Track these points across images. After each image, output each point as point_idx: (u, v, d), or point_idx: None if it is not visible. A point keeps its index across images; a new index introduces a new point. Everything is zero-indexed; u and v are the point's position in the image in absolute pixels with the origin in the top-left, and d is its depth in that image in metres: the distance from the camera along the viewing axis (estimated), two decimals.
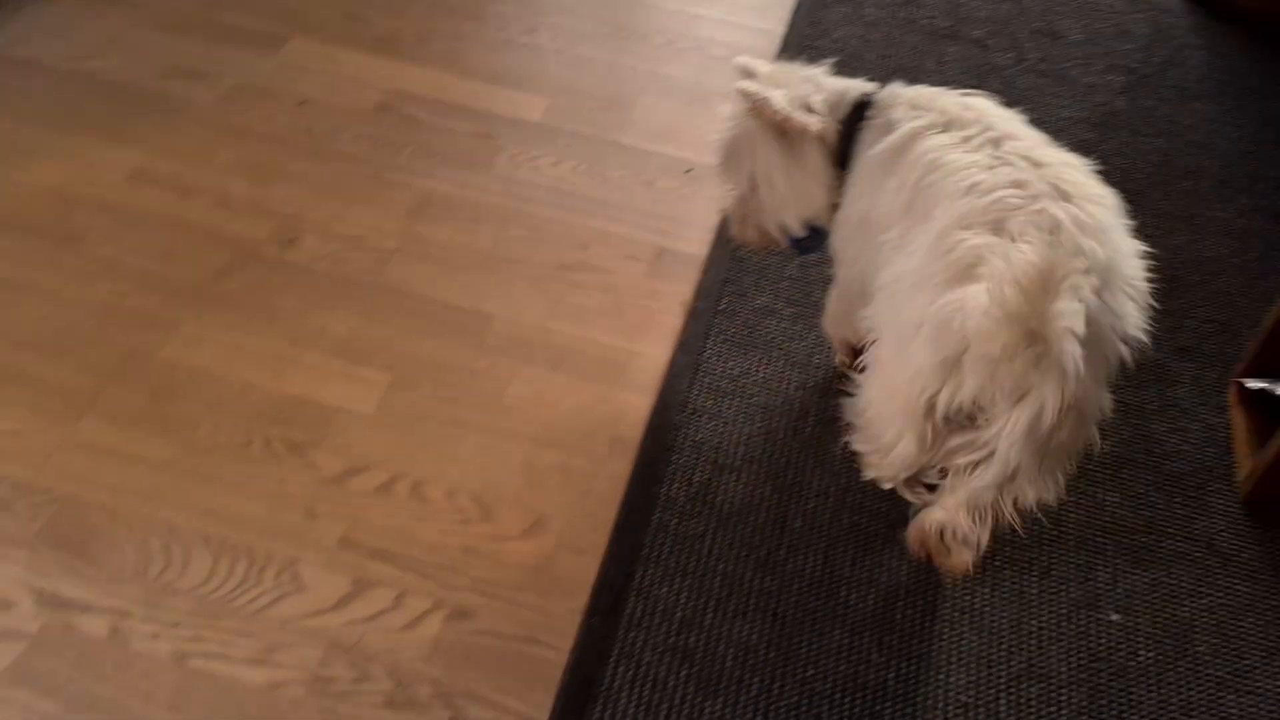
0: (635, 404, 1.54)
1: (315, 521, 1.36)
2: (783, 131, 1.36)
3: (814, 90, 1.39)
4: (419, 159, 1.85)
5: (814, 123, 1.35)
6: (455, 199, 1.79)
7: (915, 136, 1.26)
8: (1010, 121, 1.27)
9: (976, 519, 1.24)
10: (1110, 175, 1.96)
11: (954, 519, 1.25)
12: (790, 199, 1.41)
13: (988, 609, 1.36)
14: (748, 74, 1.40)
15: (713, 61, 2.13)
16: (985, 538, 1.26)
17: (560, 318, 1.64)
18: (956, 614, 1.35)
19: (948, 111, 1.27)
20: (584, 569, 1.36)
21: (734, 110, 1.41)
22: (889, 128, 1.29)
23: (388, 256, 1.69)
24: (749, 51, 2.11)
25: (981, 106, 1.29)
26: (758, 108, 1.35)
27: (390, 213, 1.75)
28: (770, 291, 1.71)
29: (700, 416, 1.53)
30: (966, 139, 1.23)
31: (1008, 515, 1.23)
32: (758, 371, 1.59)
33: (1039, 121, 2.02)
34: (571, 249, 1.74)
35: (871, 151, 1.30)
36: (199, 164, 1.79)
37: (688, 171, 1.89)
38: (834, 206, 1.39)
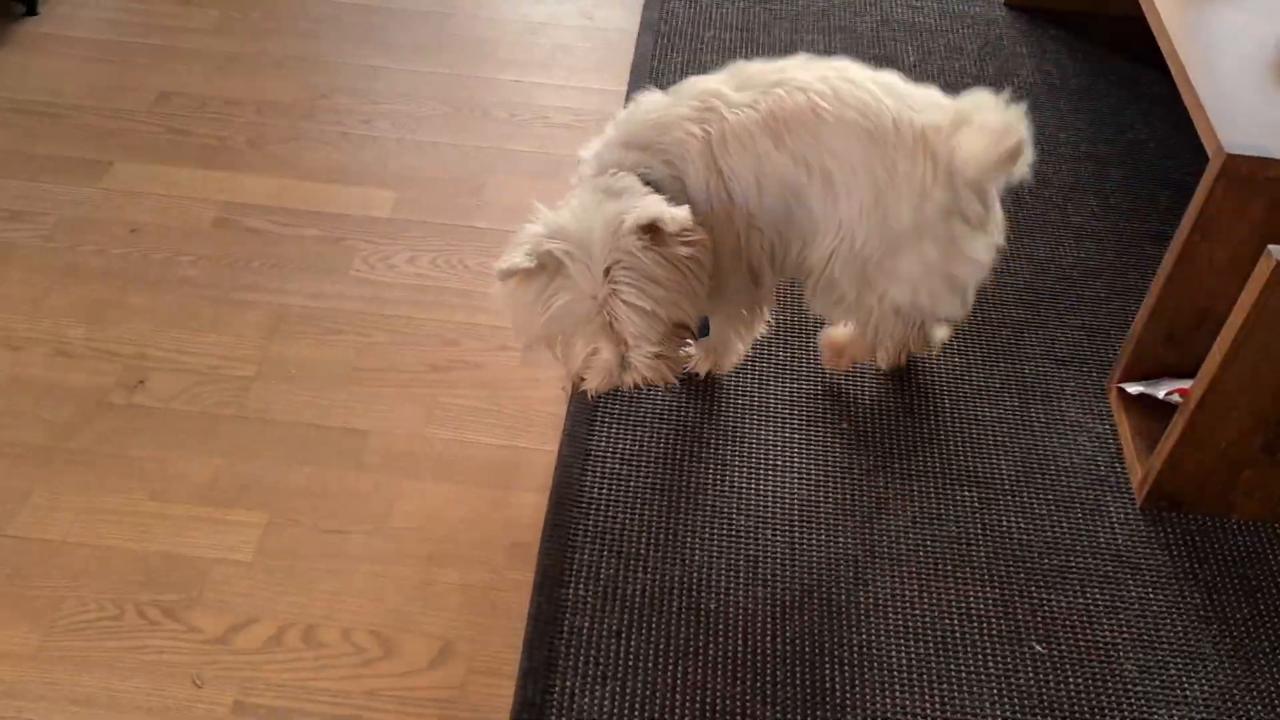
0: (529, 504, 1.48)
1: (203, 690, 1.27)
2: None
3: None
4: (267, 274, 1.76)
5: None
6: (311, 311, 1.71)
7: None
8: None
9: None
10: None
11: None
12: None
13: (914, 662, 1.34)
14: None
15: (558, 130, 2.09)
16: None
17: (438, 424, 1.57)
18: (885, 675, 1.32)
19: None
20: (500, 692, 1.29)
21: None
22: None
23: (246, 384, 1.60)
24: (594, 113, 2.10)
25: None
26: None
27: (243, 336, 1.66)
28: None
29: (598, 507, 1.48)
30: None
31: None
32: (650, 447, 1.55)
33: None
34: (440, 348, 1.67)
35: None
36: (29, 313, 1.67)
37: None
38: None
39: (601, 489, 1.50)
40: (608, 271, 1.27)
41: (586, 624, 1.35)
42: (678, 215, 1.26)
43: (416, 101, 2.13)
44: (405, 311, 1.72)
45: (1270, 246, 1.25)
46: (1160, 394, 1.55)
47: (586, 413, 1.58)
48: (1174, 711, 1.31)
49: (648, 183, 1.35)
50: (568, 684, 1.29)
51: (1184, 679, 1.34)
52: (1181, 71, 1.49)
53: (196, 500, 1.45)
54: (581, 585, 1.39)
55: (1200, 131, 1.43)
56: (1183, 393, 1.52)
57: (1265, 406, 1.38)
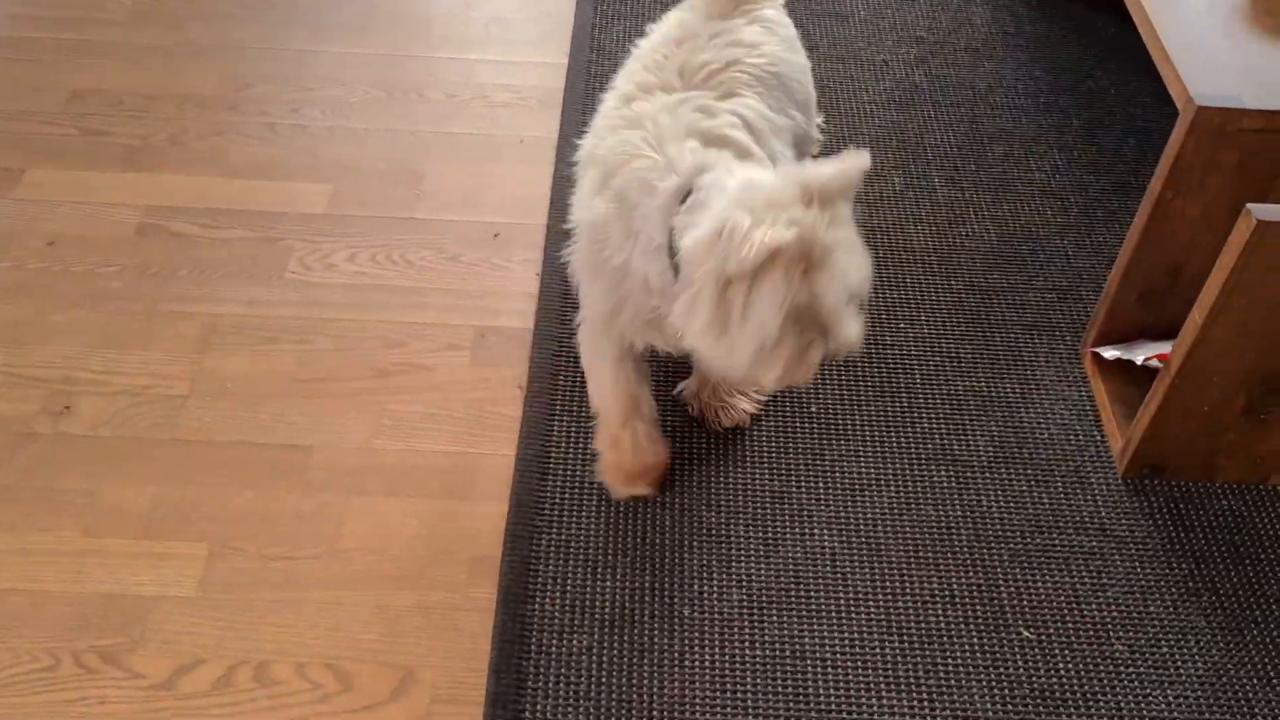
0: (488, 515, 1.40)
1: None
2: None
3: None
4: (197, 282, 1.66)
5: None
6: (246, 320, 1.61)
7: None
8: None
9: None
10: (924, 153, 1.92)
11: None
12: None
13: (900, 659, 1.28)
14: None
15: (499, 110, 1.99)
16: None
17: (387, 434, 1.48)
18: (870, 674, 1.27)
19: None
20: None
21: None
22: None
23: (179, 404, 1.50)
24: (535, 90, 2.01)
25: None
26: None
27: (174, 352, 1.56)
28: None
29: (561, 513, 1.40)
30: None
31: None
32: None
33: (845, 109, 1.95)
34: (385, 351, 1.58)
35: None
36: None
37: (495, 236, 1.75)
38: None
39: (564, 494, 1.42)
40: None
41: (555, 641, 1.28)
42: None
43: (347, 86, 2.02)
44: (347, 314, 1.63)
45: (1250, 205, 1.19)
46: (1138, 360, 1.50)
47: (543, 413, 1.50)
48: (1168, 691, 1.27)
49: None
50: (538, 708, 1.22)
51: (1176, 656, 1.30)
52: (1145, 20, 1.42)
53: (133, 534, 1.36)
54: (548, 599, 1.32)
55: (1168, 83, 1.36)
56: (1162, 358, 1.46)
57: (1247, 368, 1.33)
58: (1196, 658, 1.30)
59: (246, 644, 1.27)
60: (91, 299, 1.63)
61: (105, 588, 1.31)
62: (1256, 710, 1.25)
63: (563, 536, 1.38)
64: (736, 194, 1.05)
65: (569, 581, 1.34)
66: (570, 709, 1.22)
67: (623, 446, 1.37)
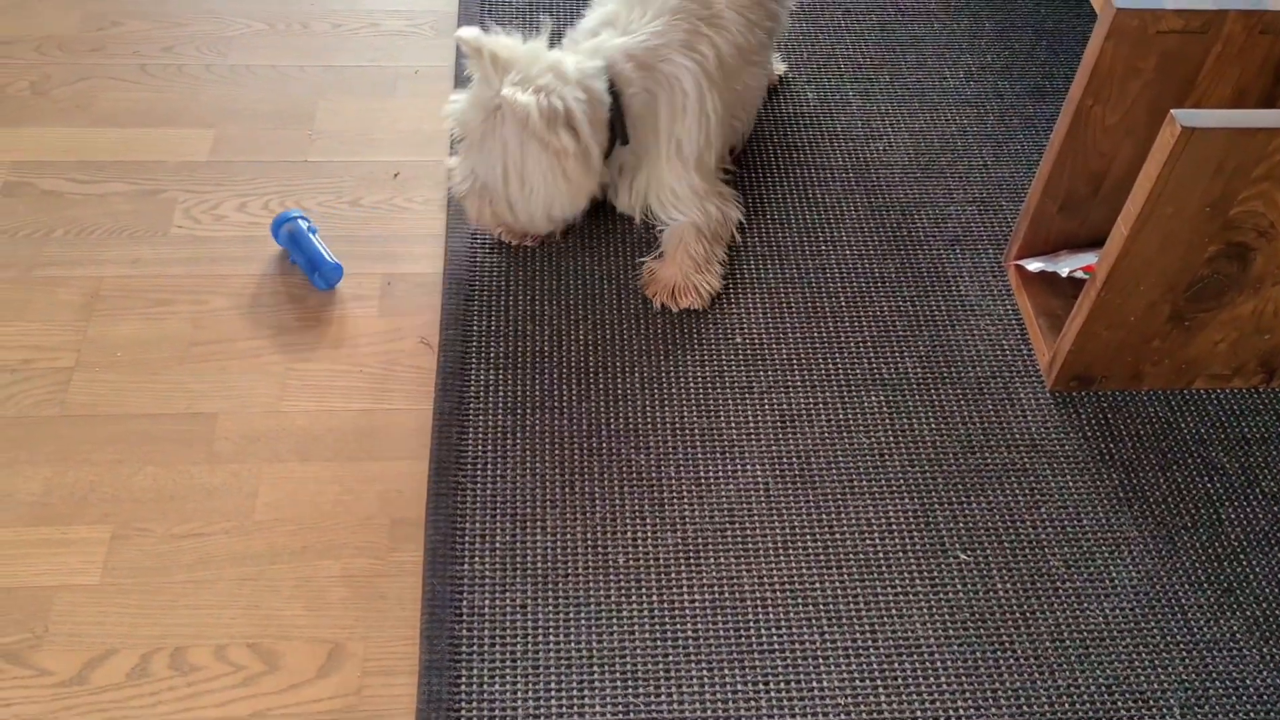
0: (407, 474, 1.34)
1: None
2: (544, 142, 1.35)
3: (560, 88, 1.36)
4: (74, 243, 1.54)
5: (571, 146, 1.36)
6: (132, 282, 1.50)
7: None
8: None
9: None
10: (836, 66, 1.86)
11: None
12: (545, 203, 1.43)
13: (840, 592, 1.26)
14: (494, 58, 1.34)
15: (390, 39, 1.87)
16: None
17: (294, 395, 1.40)
18: (811, 610, 1.25)
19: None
20: (402, 692, 1.17)
21: (466, 100, 1.40)
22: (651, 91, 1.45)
23: (66, 377, 1.40)
24: (427, 15, 1.89)
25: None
26: (528, 122, 1.32)
27: (55, 321, 1.45)
28: (524, 292, 1.52)
29: (484, 466, 1.35)
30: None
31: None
32: (533, 392, 1.42)
33: None
34: (286, 306, 1.49)
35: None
36: None
37: (395, 176, 1.65)
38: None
39: (485, 446, 1.36)
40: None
41: (487, 602, 1.24)
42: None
43: (223, 20, 1.88)
44: (242, 269, 1.53)
45: (1174, 111, 1.16)
46: (1063, 272, 1.48)
47: (458, 363, 1.44)
48: (1104, 604, 1.27)
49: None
50: (474, 671, 1.18)
51: (1111, 568, 1.30)
52: None
53: (26, 520, 1.27)
54: (477, 558, 1.27)
55: None
56: (1088, 269, 1.45)
57: (1172, 276, 1.31)
58: (1130, 568, 1.30)
59: (160, 630, 1.20)
60: None
61: (0, 581, 1.22)
62: (1190, 615, 1.27)
63: (488, 492, 1.32)
64: None
65: (497, 538, 1.29)
66: (508, 669, 1.19)
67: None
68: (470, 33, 1.34)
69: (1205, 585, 1.29)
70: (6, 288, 1.49)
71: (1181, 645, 1.24)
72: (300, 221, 1.52)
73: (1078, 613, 1.26)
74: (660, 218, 1.53)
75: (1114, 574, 1.30)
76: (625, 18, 1.47)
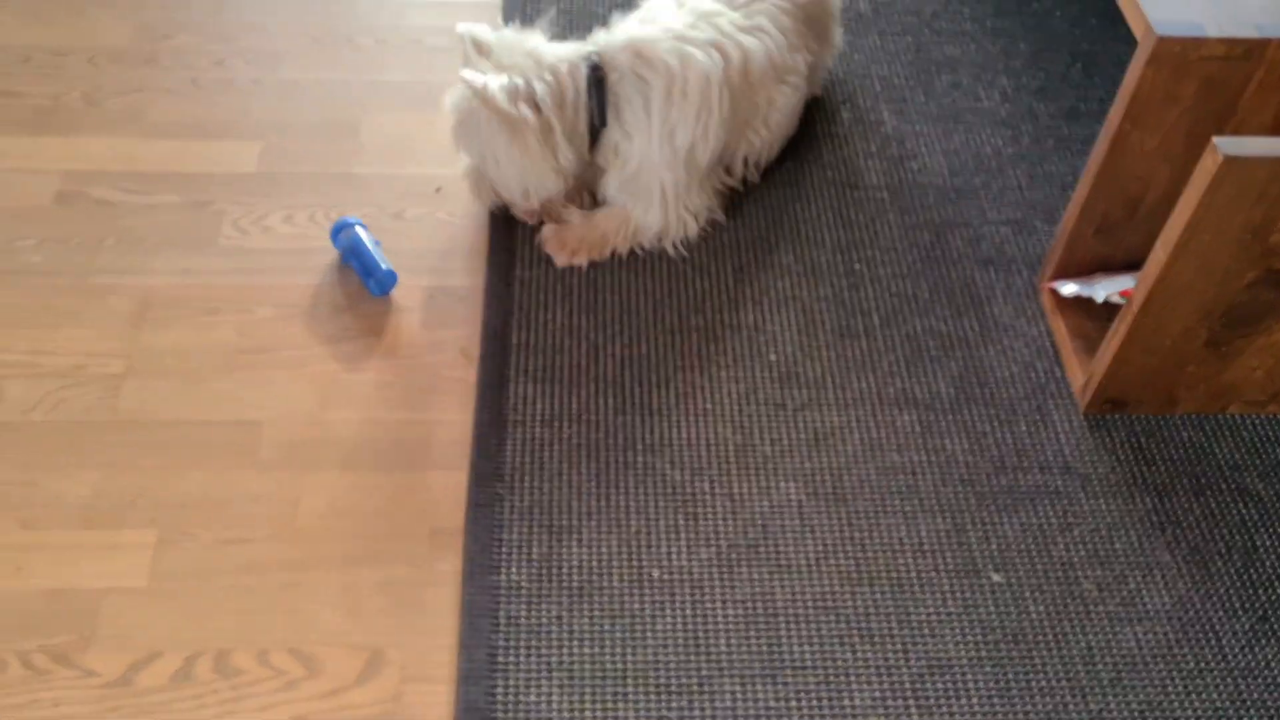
0: (447, 484, 1.36)
1: None
2: (506, 119, 1.46)
3: (536, 72, 1.49)
4: (125, 252, 1.58)
5: (531, 119, 1.47)
6: (181, 291, 1.54)
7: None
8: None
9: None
10: (871, 85, 1.88)
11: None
12: (517, 178, 1.54)
13: (872, 609, 1.28)
14: (475, 44, 1.50)
15: (433, 54, 1.91)
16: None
17: (337, 404, 1.43)
18: (843, 627, 1.26)
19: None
20: (439, 700, 1.19)
21: (461, 89, 1.50)
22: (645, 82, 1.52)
23: (116, 383, 1.43)
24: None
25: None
26: (480, 97, 1.44)
27: (106, 328, 1.49)
28: (564, 306, 1.55)
29: (522, 478, 1.37)
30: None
31: None
32: (570, 405, 1.44)
33: None
34: (331, 317, 1.52)
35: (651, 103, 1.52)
36: None
37: (437, 190, 1.68)
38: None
39: (523, 458, 1.39)
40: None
41: (523, 611, 1.26)
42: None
43: (270, 35, 1.92)
44: (288, 280, 1.56)
45: (1215, 139, 1.16)
46: (1099, 297, 1.48)
47: (498, 375, 1.46)
48: (1137, 628, 1.28)
49: None
50: (510, 681, 1.20)
51: (1144, 592, 1.31)
52: None
53: (76, 524, 1.31)
54: (514, 569, 1.29)
55: (1125, 10, 1.33)
56: (1124, 294, 1.45)
57: (1209, 301, 1.32)
58: (1164, 592, 1.31)
59: (204, 633, 1.23)
60: (12, 275, 1.54)
61: (50, 583, 1.26)
62: (1224, 641, 1.27)
63: (525, 503, 1.34)
64: None
65: (534, 549, 1.31)
66: (544, 680, 1.20)
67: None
68: (464, 26, 1.50)
69: (1239, 612, 1.29)
70: (60, 295, 1.52)
71: (1215, 672, 1.25)
72: (359, 229, 1.55)
73: (1110, 637, 1.27)
74: (625, 203, 1.60)
75: (1147, 598, 1.30)
76: (664, 15, 1.57)
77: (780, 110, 1.65)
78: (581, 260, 1.58)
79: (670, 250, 1.61)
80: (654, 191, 1.56)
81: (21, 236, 1.59)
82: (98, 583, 1.26)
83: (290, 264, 1.58)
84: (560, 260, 1.58)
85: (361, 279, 1.54)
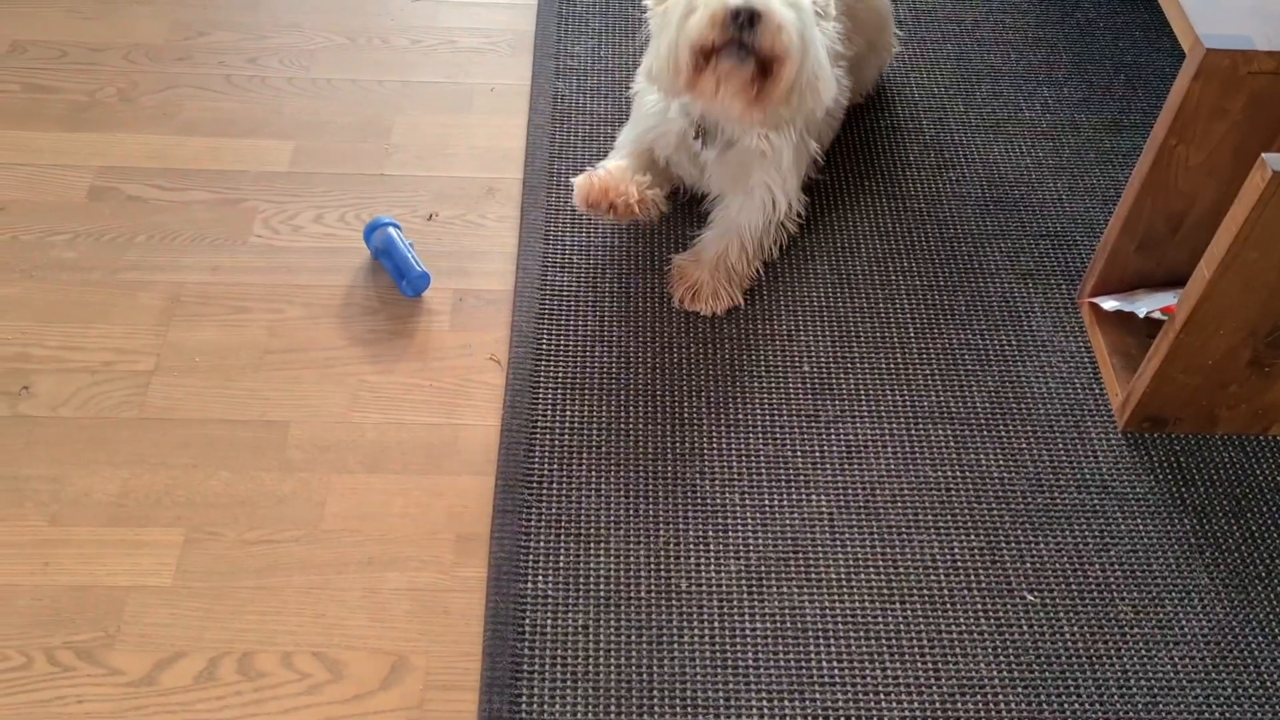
0: (474, 489, 1.35)
1: None
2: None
3: None
4: (157, 248, 1.58)
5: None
6: (211, 288, 1.54)
7: None
8: None
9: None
10: (911, 94, 1.86)
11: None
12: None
13: (903, 627, 1.25)
14: None
15: (467, 55, 1.90)
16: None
17: (365, 406, 1.42)
18: (874, 645, 1.24)
19: None
20: (463, 708, 1.18)
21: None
22: None
23: (145, 380, 1.43)
24: (504, 33, 1.92)
25: None
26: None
27: (136, 324, 1.49)
28: (593, 313, 1.53)
29: (550, 485, 1.36)
30: None
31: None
32: (600, 413, 1.43)
33: None
34: (360, 318, 1.52)
35: None
36: None
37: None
38: None
39: (551, 465, 1.37)
40: None
41: (549, 620, 1.24)
42: None
43: (305, 33, 1.92)
44: (317, 280, 1.56)
45: (1265, 156, 1.14)
46: (1141, 313, 1.46)
47: (527, 381, 1.45)
48: (1174, 652, 1.25)
49: None
50: (535, 691, 1.19)
51: (1181, 615, 1.28)
52: None
53: (103, 521, 1.30)
54: (540, 577, 1.28)
55: (1173, 22, 1.30)
56: (1166, 311, 1.43)
57: (1254, 321, 1.29)
58: (1201, 616, 1.28)
59: (228, 634, 1.22)
60: (45, 269, 1.54)
61: (76, 579, 1.25)
62: (1263, 668, 1.24)
63: (553, 511, 1.33)
64: None
65: (561, 557, 1.29)
66: (568, 690, 1.19)
67: (610, 171, 1.51)
68: None
69: (1279, 638, 1.26)
70: (91, 290, 1.52)
71: (1254, 699, 1.22)
72: (392, 230, 1.54)
73: (1146, 660, 1.24)
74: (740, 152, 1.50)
75: (1184, 622, 1.27)
76: None
77: (829, 112, 1.61)
78: (723, 302, 1.52)
79: (791, 227, 1.57)
80: (787, 152, 1.50)
81: (56, 231, 1.59)
82: (123, 580, 1.26)
83: (321, 264, 1.57)
84: (696, 308, 1.53)
85: (394, 279, 1.53)
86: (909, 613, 1.27)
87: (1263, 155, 1.14)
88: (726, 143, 1.48)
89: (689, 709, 1.18)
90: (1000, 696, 1.21)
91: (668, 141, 1.54)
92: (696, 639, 1.24)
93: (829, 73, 1.41)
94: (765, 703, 1.19)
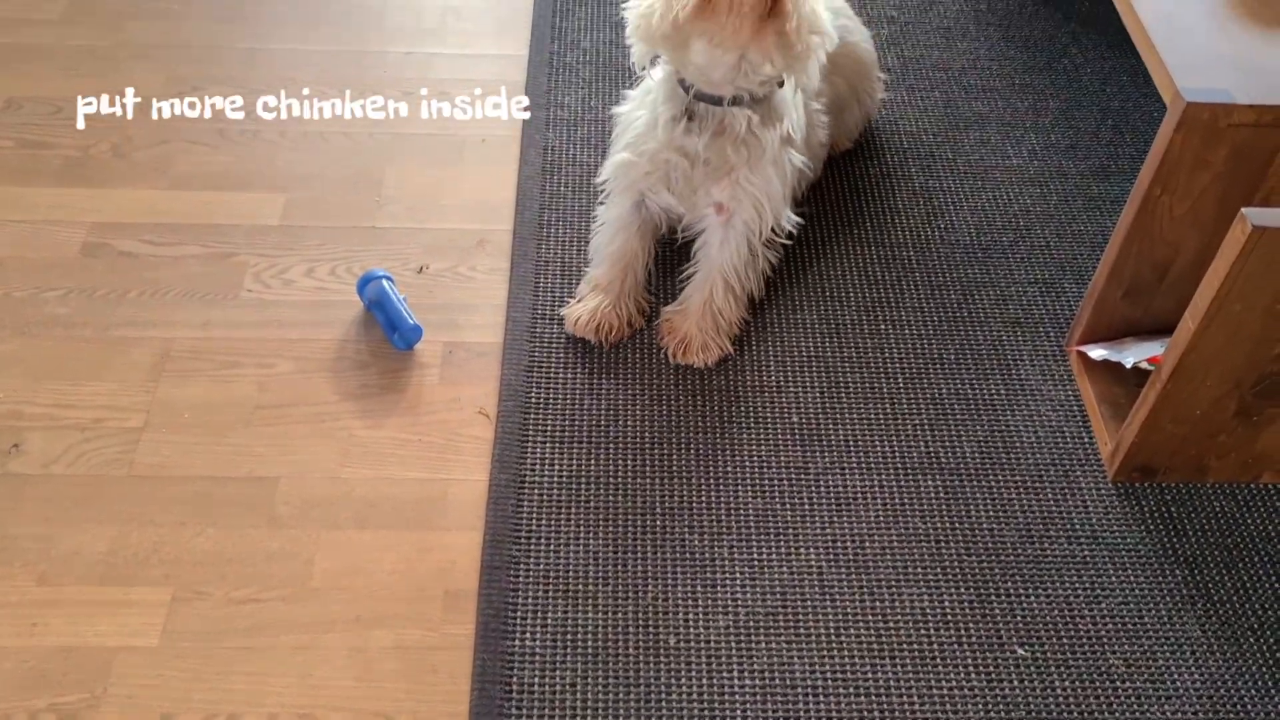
0: (462, 545, 1.35)
1: None
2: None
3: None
4: (148, 304, 1.59)
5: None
6: (201, 344, 1.54)
7: None
8: None
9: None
10: (899, 141, 1.87)
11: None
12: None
13: (893, 683, 1.25)
14: None
15: (458, 107, 1.91)
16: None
17: (355, 462, 1.42)
18: (863, 701, 1.23)
19: None
20: None
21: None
22: None
23: (134, 437, 1.43)
24: (495, 86, 1.93)
25: None
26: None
27: (127, 381, 1.49)
28: (582, 364, 1.54)
29: (538, 541, 1.35)
30: None
31: None
32: (589, 467, 1.43)
33: None
34: (350, 373, 1.52)
35: None
36: None
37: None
38: None
39: (540, 520, 1.37)
40: None
41: (537, 678, 1.24)
42: None
43: (299, 86, 1.93)
44: (308, 334, 1.56)
45: (1244, 210, 1.14)
46: (1128, 363, 1.46)
47: (516, 435, 1.45)
48: (1165, 707, 1.24)
49: None
50: None
51: (1173, 668, 1.27)
52: (1129, 9, 1.37)
53: (92, 580, 1.30)
54: (528, 634, 1.27)
55: (1154, 76, 1.32)
56: (1153, 361, 1.43)
57: (1240, 371, 1.29)
58: (1194, 669, 1.27)
59: (215, 695, 1.22)
60: (36, 326, 1.55)
61: (64, 640, 1.25)
62: None
63: (541, 567, 1.33)
64: None
65: (549, 614, 1.29)
66: None
67: (601, 297, 1.55)
68: None
69: (1273, 691, 1.25)
70: (83, 346, 1.53)
71: None
72: (385, 282, 1.55)
73: (1138, 714, 1.23)
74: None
75: (1176, 675, 1.27)
76: None
77: (814, 144, 1.62)
78: (713, 354, 1.53)
79: (774, 258, 1.58)
80: (787, 169, 1.50)
81: (49, 287, 1.60)
82: (111, 640, 1.25)
83: (311, 318, 1.58)
84: (688, 361, 1.54)
85: (385, 332, 1.53)
86: (899, 668, 1.26)
87: (1243, 210, 1.15)
88: (715, 130, 1.43)
89: None
90: None
91: (656, 163, 1.47)
92: (685, 696, 1.23)
93: (829, 25, 1.41)
94: None
